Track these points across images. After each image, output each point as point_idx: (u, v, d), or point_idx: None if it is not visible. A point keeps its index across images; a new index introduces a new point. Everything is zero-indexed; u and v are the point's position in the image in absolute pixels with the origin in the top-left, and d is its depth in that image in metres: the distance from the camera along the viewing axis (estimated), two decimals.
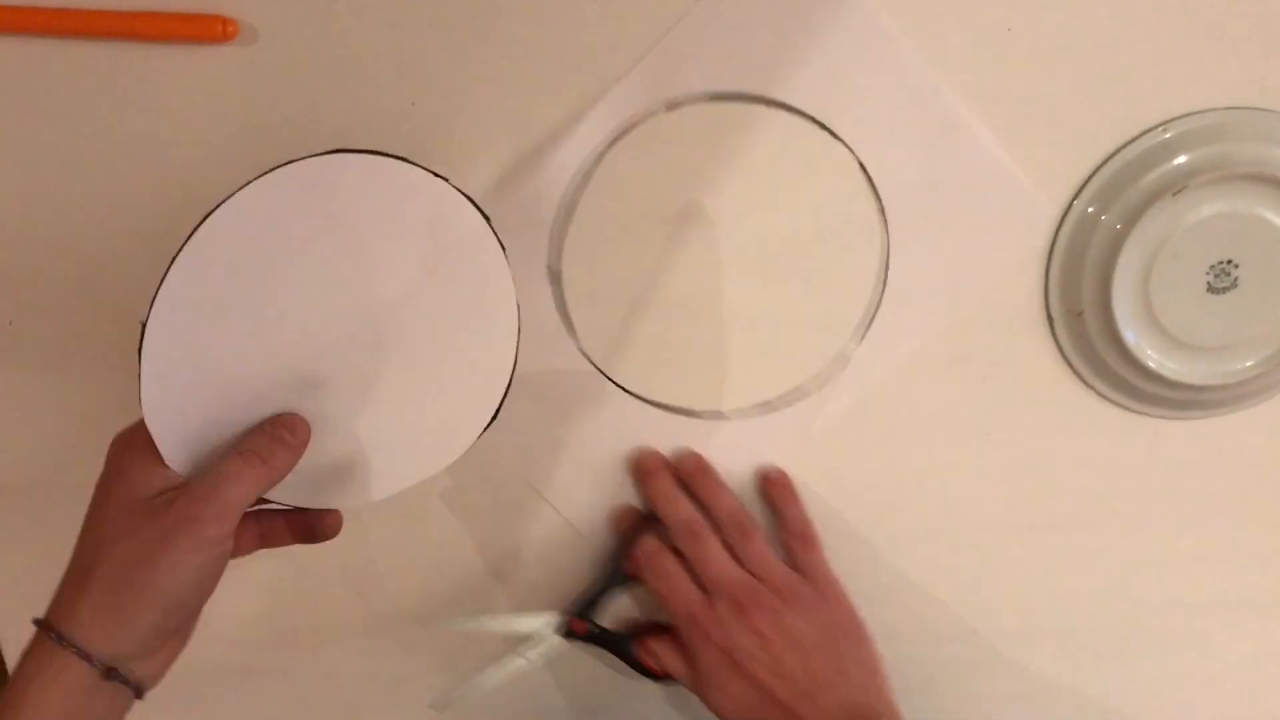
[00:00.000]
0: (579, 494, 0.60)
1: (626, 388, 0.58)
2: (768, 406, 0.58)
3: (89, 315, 0.57)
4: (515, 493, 0.60)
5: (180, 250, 0.44)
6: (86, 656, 0.45)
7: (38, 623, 0.45)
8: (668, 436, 0.59)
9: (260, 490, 0.47)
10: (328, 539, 0.52)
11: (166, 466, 0.46)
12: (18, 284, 0.56)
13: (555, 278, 0.56)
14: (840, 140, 0.53)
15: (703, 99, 0.53)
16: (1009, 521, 0.60)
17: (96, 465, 0.47)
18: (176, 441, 0.46)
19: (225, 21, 0.51)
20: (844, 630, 0.56)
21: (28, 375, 0.58)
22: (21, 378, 0.58)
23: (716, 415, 0.59)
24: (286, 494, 0.49)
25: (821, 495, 0.59)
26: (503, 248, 0.48)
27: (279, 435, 0.48)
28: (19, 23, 0.51)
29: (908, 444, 0.59)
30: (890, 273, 0.55)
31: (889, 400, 0.58)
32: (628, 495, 0.60)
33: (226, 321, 0.46)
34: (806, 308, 0.56)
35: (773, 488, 0.59)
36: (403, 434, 0.50)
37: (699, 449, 0.59)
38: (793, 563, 0.58)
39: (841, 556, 0.59)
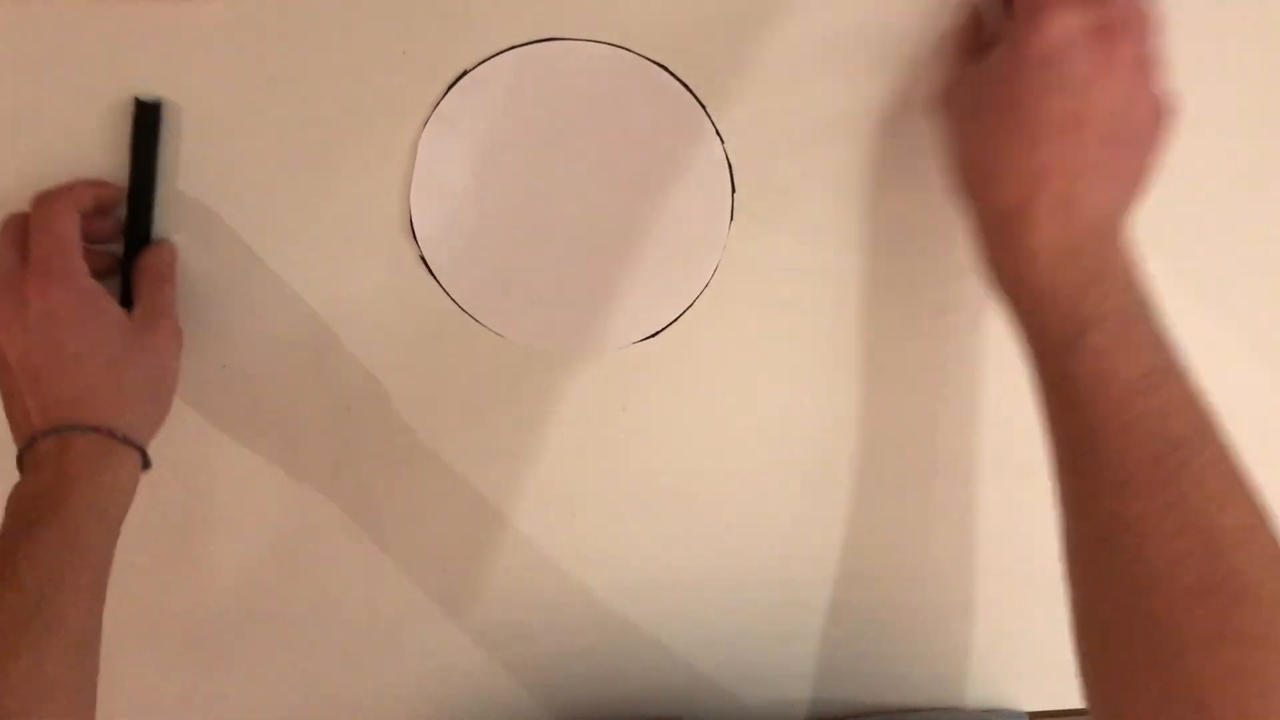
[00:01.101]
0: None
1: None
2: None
3: None
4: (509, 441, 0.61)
5: (454, 83, 0.51)
6: (112, 432, 0.47)
7: (83, 427, 0.47)
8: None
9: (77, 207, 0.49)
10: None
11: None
12: None
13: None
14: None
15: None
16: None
17: None
18: (439, 245, 0.54)
19: None
20: (1153, 138, 0.46)
21: None
22: None
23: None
24: (520, 327, 0.56)
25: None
26: (718, 134, 0.53)
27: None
28: None
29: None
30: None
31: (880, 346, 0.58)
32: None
33: (478, 169, 0.53)
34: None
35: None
36: (622, 296, 0.56)
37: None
38: None
39: None
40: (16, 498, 0.47)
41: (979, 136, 0.46)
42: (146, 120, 0.51)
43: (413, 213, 0.54)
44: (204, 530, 0.61)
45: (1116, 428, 0.42)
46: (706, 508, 0.62)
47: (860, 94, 0.53)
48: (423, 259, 0.55)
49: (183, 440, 0.58)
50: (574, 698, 0.67)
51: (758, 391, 0.60)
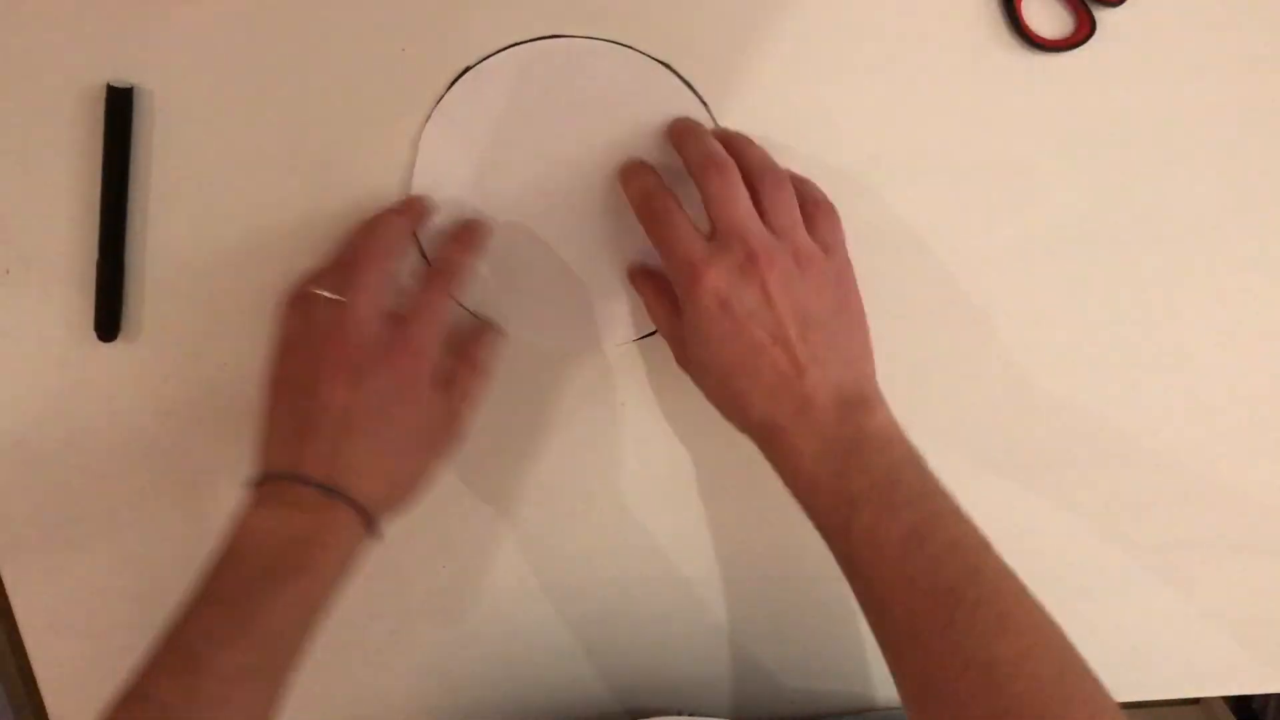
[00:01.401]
0: None
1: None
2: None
3: (49, 264, 0.55)
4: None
5: (457, 79, 0.51)
6: (361, 509, 0.47)
7: (356, 503, 0.47)
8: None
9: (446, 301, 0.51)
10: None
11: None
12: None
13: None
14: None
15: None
16: None
17: None
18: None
19: None
20: (850, 314, 0.52)
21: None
22: None
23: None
24: (521, 323, 0.56)
25: None
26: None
27: (461, 242, 0.53)
28: None
29: None
30: None
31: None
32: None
33: (490, 141, 0.53)
34: None
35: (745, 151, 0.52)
36: (623, 293, 0.56)
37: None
38: (807, 225, 0.51)
39: None
40: (260, 529, 0.47)
41: (717, 385, 0.51)
42: (118, 106, 0.50)
43: None
44: (205, 531, 0.59)
45: (897, 586, 0.45)
46: (706, 504, 0.62)
47: (861, 93, 0.53)
48: (423, 254, 0.54)
49: (182, 440, 0.58)
50: (573, 697, 0.66)
51: None
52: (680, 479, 0.62)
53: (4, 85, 0.50)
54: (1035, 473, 0.62)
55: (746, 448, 0.57)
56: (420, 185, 0.53)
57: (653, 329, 0.57)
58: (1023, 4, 0.51)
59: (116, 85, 0.50)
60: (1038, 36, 0.52)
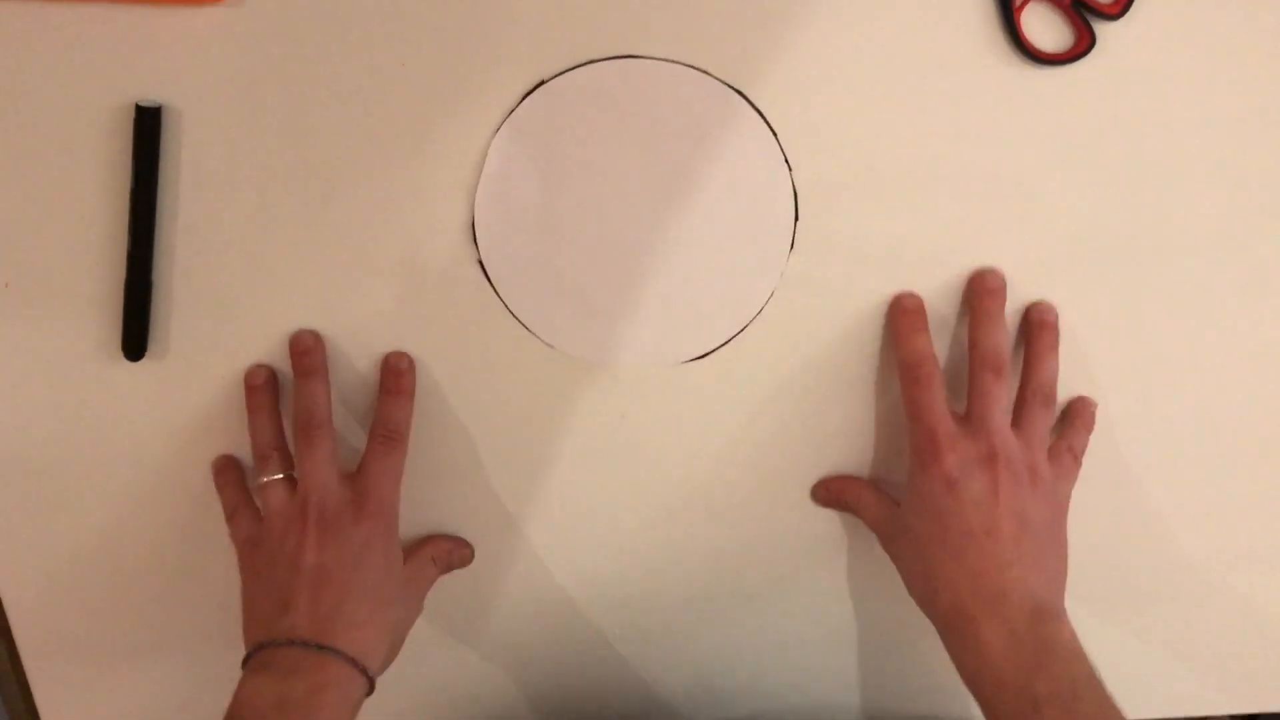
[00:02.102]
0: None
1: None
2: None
3: (77, 282, 0.55)
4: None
5: (530, 92, 0.52)
6: (353, 660, 0.49)
7: (346, 656, 0.49)
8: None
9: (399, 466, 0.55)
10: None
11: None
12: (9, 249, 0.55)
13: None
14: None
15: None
16: None
17: None
18: (510, 276, 0.55)
19: None
20: (1058, 536, 0.54)
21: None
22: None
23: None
24: (572, 343, 0.56)
25: None
26: (787, 162, 0.53)
27: (394, 393, 0.55)
28: None
29: None
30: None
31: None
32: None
33: (545, 178, 0.53)
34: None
35: (1041, 332, 0.56)
36: (676, 316, 0.57)
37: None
38: (1023, 422, 0.55)
39: None
40: (256, 697, 0.48)
41: (919, 559, 0.54)
42: (147, 126, 0.51)
43: (476, 216, 0.54)
44: (208, 538, 0.60)
45: None
46: (718, 524, 0.62)
47: (857, 106, 0.54)
48: (480, 263, 0.55)
49: (206, 459, 0.58)
50: (577, 710, 0.65)
51: (796, 414, 0.60)
52: (691, 497, 0.61)
53: (33, 105, 0.51)
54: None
55: (758, 468, 0.60)
56: (485, 197, 0.54)
57: (704, 352, 0.57)
58: (1022, 17, 0.52)
59: (145, 105, 0.51)
60: (1037, 50, 0.52)
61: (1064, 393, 0.58)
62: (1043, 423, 0.55)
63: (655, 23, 0.51)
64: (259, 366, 0.55)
